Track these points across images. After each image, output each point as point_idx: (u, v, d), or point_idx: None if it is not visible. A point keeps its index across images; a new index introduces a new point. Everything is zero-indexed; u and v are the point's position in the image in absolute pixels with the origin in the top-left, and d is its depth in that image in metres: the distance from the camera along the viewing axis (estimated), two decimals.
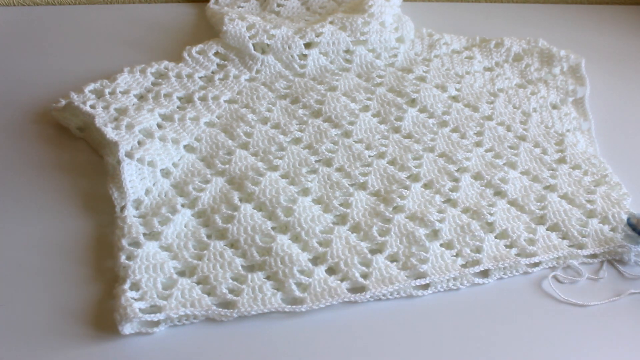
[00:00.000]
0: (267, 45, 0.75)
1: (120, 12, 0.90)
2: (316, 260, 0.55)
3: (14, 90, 0.73)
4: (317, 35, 0.76)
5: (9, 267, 0.54)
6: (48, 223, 0.58)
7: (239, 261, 0.54)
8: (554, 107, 0.75)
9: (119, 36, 0.84)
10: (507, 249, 0.57)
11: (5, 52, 0.80)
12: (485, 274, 0.56)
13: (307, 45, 0.77)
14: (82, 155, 0.65)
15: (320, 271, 0.54)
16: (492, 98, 0.75)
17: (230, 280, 0.53)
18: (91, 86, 0.68)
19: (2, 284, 0.53)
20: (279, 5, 0.87)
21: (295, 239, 0.57)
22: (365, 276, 0.54)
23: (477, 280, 0.55)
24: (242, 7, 0.86)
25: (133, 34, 0.85)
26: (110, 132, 0.62)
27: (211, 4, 0.86)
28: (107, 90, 0.68)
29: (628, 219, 0.60)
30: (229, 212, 0.58)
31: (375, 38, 0.78)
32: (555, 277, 0.56)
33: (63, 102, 0.67)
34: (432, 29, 0.85)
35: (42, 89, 0.73)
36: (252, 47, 0.74)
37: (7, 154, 0.65)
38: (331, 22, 0.78)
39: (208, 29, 0.84)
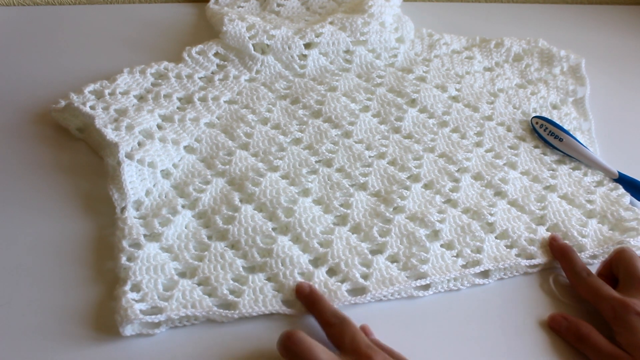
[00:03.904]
0: (267, 45, 0.75)
1: (120, 12, 0.90)
2: (317, 262, 0.55)
3: (14, 91, 0.73)
4: (317, 36, 0.76)
5: (9, 268, 0.54)
6: (48, 224, 0.58)
7: (239, 262, 0.54)
8: (554, 107, 0.75)
9: (119, 36, 0.84)
10: (508, 250, 0.57)
11: (5, 52, 0.79)
12: (485, 274, 0.56)
13: (307, 46, 0.76)
14: (82, 156, 0.65)
15: (321, 273, 0.54)
16: (492, 98, 0.75)
17: (231, 282, 0.53)
18: (91, 87, 0.68)
19: (2, 285, 0.53)
20: (279, 5, 0.87)
21: (296, 239, 0.57)
22: (365, 277, 0.54)
23: (477, 280, 0.55)
24: (242, 7, 0.86)
25: (133, 34, 0.84)
26: (110, 134, 0.62)
27: (211, 4, 0.86)
28: (106, 91, 0.68)
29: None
30: (230, 213, 0.58)
31: (375, 38, 0.78)
32: (555, 278, 0.56)
33: (63, 102, 0.67)
34: (432, 29, 0.85)
35: (42, 89, 0.73)
36: (252, 48, 0.74)
37: (7, 154, 0.65)
38: (331, 23, 0.78)
39: (208, 29, 0.84)
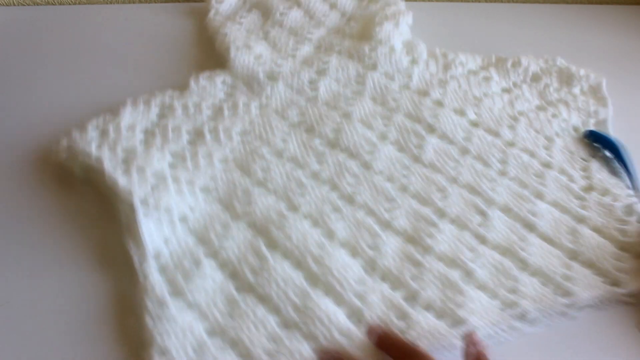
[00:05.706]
0: (276, 72, 0.73)
1: (120, 12, 0.89)
2: (352, 316, 0.53)
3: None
4: (325, 64, 0.75)
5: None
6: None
7: (272, 319, 0.52)
8: (576, 130, 0.72)
9: (119, 36, 0.84)
10: (544, 287, 0.56)
11: (5, 52, 0.80)
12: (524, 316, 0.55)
13: (317, 73, 0.75)
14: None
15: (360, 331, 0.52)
16: (513, 122, 0.72)
17: (265, 341, 0.50)
18: (94, 122, 0.65)
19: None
20: (281, 14, 0.84)
21: (328, 291, 0.54)
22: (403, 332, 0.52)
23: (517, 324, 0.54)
24: (243, 18, 0.83)
25: (133, 34, 0.84)
26: (121, 179, 0.58)
27: (211, 15, 0.84)
28: (110, 127, 0.64)
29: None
30: (257, 262, 0.55)
31: (386, 61, 0.76)
32: None
33: (65, 143, 0.63)
34: (432, 29, 0.84)
35: (42, 91, 0.74)
36: (261, 75, 0.72)
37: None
38: (339, 52, 0.76)
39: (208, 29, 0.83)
